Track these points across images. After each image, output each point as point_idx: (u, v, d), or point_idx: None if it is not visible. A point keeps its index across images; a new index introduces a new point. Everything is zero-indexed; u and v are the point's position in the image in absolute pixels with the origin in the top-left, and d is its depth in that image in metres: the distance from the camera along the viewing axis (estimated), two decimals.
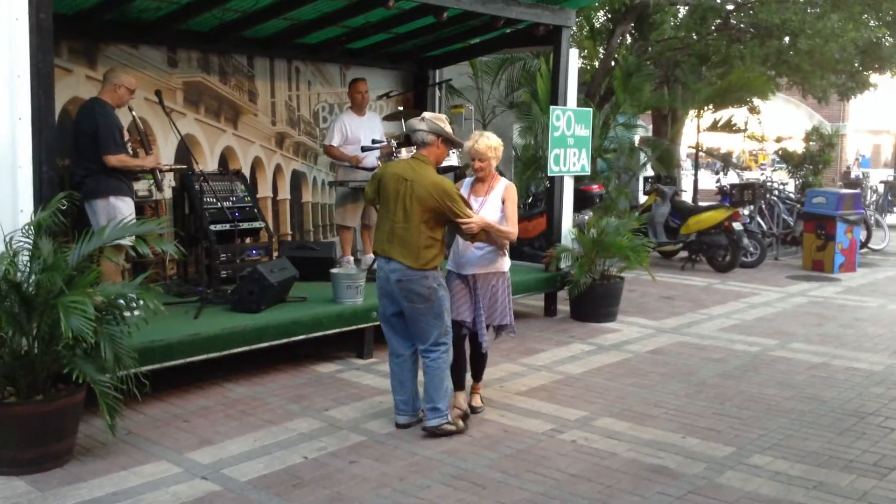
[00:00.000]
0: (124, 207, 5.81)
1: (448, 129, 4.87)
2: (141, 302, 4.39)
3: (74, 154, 5.90)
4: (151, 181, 6.52)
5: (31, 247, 4.28)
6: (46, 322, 4.15)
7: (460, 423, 4.85)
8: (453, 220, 4.69)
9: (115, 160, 5.71)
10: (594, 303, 7.83)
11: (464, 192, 5.04)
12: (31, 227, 4.33)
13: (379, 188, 4.79)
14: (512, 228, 4.99)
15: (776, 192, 13.47)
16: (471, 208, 4.82)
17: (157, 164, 6.15)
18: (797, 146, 16.71)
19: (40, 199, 4.61)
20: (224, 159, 8.04)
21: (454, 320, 4.96)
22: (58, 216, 4.40)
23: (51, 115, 4.77)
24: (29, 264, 4.24)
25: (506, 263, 5.15)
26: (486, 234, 4.82)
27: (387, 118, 8.40)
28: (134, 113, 6.18)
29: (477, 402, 5.22)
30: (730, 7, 12.87)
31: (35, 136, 4.62)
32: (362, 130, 7.76)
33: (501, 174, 5.32)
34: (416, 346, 4.86)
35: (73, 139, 5.87)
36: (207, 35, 7.64)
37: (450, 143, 4.92)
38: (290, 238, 8.65)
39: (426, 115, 4.93)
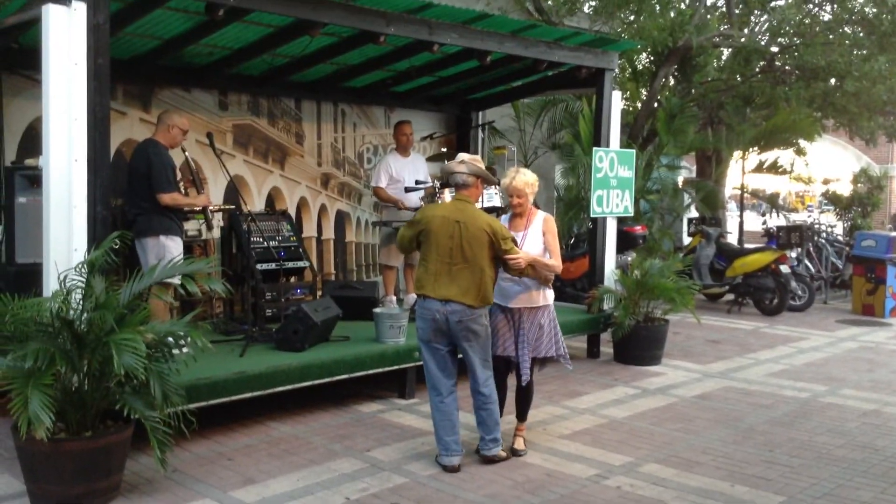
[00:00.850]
0: (173, 246, 5.93)
1: (483, 167, 5.03)
2: (189, 339, 4.45)
3: (128, 193, 6.06)
4: (202, 220, 6.66)
5: (83, 285, 4.38)
6: (97, 359, 4.22)
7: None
8: (502, 257, 4.77)
9: (167, 198, 5.85)
10: (638, 345, 7.74)
11: None
12: (85, 266, 4.44)
13: (422, 233, 4.86)
14: (556, 262, 5.06)
15: (824, 235, 13.25)
16: (517, 244, 4.87)
17: (207, 202, 6.29)
18: (845, 188, 16.47)
19: (94, 238, 4.74)
20: (271, 199, 8.19)
21: (498, 356, 5.06)
22: (110, 255, 4.50)
23: (106, 156, 4.91)
24: (81, 302, 4.33)
25: (550, 296, 5.20)
26: (533, 269, 4.89)
27: (430, 159, 8.49)
28: (186, 153, 6.34)
29: (520, 444, 5.18)
30: (774, 49, 12.80)
31: (90, 177, 4.77)
32: (407, 171, 7.86)
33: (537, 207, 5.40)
34: (455, 381, 4.93)
35: (128, 179, 6.03)
36: (257, 79, 7.85)
37: (487, 181, 5.11)
38: (333, 277, 8.73)
39: (464, 157, 5.06)
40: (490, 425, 4.89)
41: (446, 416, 4.86)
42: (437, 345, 4.83)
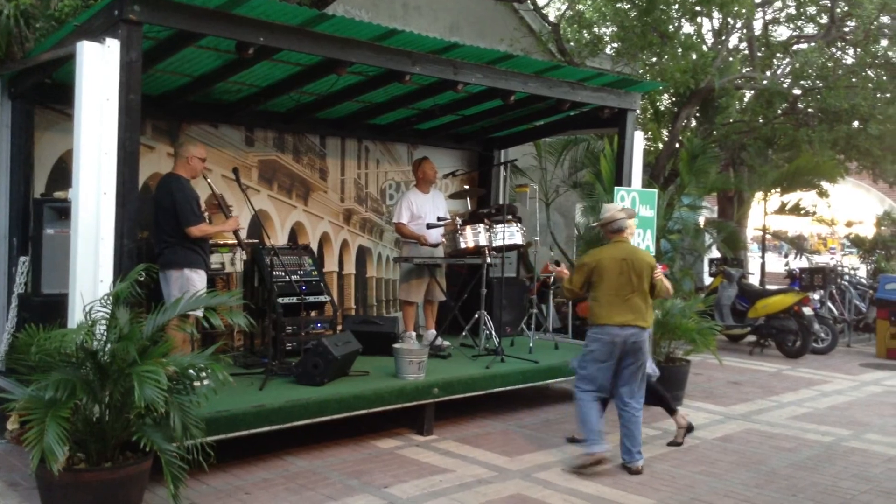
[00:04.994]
0: (197, 280, 5.98)
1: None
2: (210, 372, 4.47)
3: (154, 227, 6.14)
4: (228, 251, 6.70)
5: (108, 317, 4.42)
6: (119, 390, 4.25)
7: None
8: (654, 279, 5.66)
9: (196, 230, 5.91)
10: None
11: None
12: (110, 298, 4.49)
13: (593, 274, 5.59)
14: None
15: (847, 277, 13.14)
16: None
17: (237, 226, 6.29)
18: (868, 231, 16.35)
19: (120, 270, 4.77)
20: (294, 234, 8.26)
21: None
22: (135, 287, 4.55)
23: (134, 190, 4.97)
24: (105, 333, 4.37)
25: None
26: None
27: (453, 196, 8.54)
28: (209, 181, 6.37)
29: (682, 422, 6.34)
30: (797, 91, 12.82)
31: (118, 210, 4.82)
32: (427, 207, 7.91)
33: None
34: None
35: (153, 213, 6.11)
36: (283, 115, 7.97)
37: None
38: (354, 312, 8.76)
39: (617, 207, 5.92)
40: (638, 437, 5.62)
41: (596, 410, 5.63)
42: (608, 363, 5.56)
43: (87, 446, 4.30)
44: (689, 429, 6.36)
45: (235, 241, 6.49)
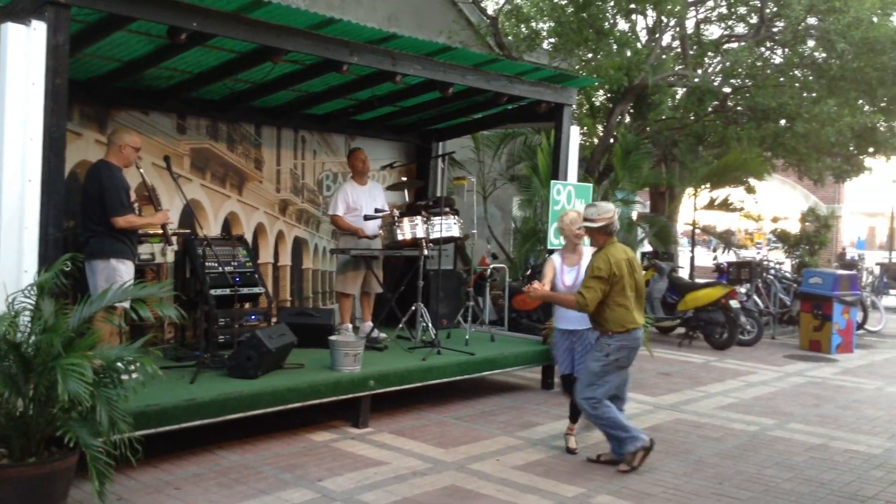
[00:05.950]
0: (124, 270, 5.81)
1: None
2: (139, 365, 4.37)
3: (80, 215, 5.95)
4: (159, 241, 6.55)
5: (32, 308, 4.28)
6: (44, 384, 4.12)
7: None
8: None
9: (122, 221, 5.74)
10: None
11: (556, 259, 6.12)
12: (34, 288, 4.35)
13: (615, 280, 5.39)
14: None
15: (773, 272, 13.55)
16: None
17: (165, 219, 6.16)
18: (793, 226, 16.89)
19: (45, 260, 4.65)
20: (227, 224, 8.12)
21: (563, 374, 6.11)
22: (60, 277, 4.42)
23: (60, 177, 4.84)
24: (30, 325, 4.24)
25: None
26: None
27: (390, 188, 8.52)
28: (142, 171, 6.22)
29: (572, 443, 5.95)
30: (727, 90, 13.15)
31: (43, 198, 4.69)
32: (364, 199, 7.87)
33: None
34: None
35: (81, 201, 5.93)
36: (217, 103, 7.82)
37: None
38: (289, 304, 8.67)
39: (612, 206, 5.62)
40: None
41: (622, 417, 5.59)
42: (628, 367, 5.63)
43: (10, 441, 4.17)
44: (571, 451, 5.99)
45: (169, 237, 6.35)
